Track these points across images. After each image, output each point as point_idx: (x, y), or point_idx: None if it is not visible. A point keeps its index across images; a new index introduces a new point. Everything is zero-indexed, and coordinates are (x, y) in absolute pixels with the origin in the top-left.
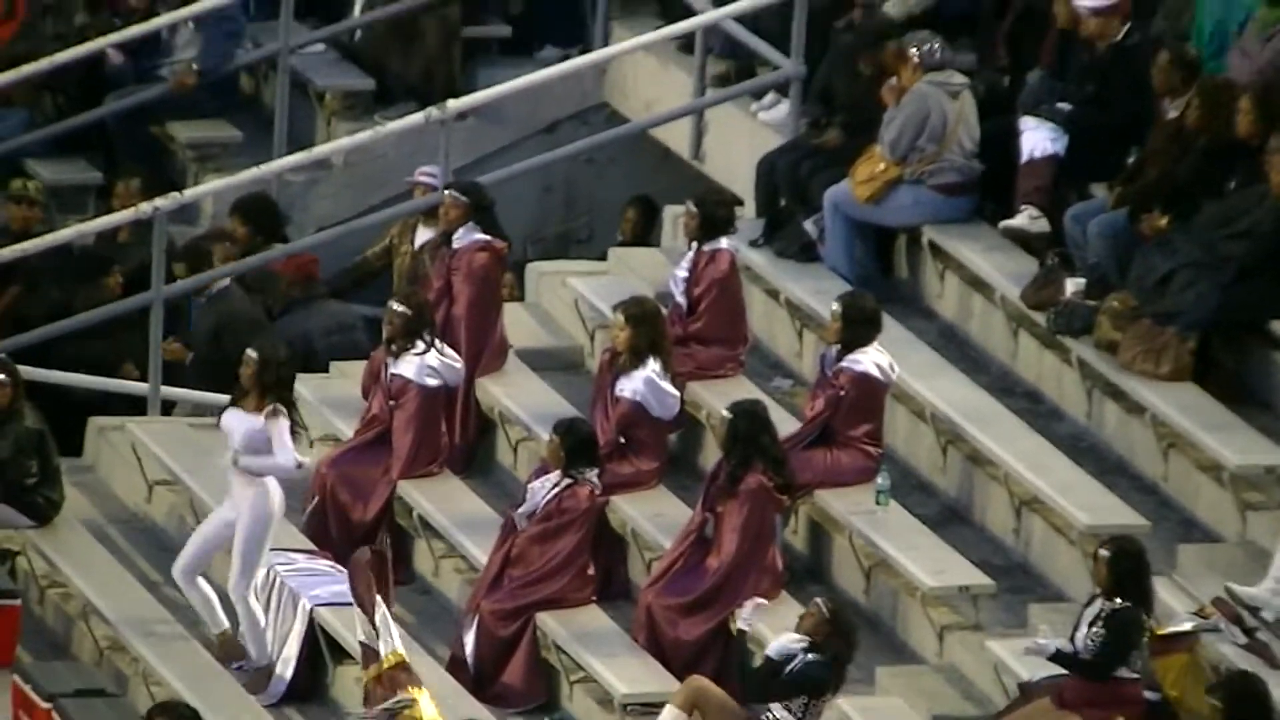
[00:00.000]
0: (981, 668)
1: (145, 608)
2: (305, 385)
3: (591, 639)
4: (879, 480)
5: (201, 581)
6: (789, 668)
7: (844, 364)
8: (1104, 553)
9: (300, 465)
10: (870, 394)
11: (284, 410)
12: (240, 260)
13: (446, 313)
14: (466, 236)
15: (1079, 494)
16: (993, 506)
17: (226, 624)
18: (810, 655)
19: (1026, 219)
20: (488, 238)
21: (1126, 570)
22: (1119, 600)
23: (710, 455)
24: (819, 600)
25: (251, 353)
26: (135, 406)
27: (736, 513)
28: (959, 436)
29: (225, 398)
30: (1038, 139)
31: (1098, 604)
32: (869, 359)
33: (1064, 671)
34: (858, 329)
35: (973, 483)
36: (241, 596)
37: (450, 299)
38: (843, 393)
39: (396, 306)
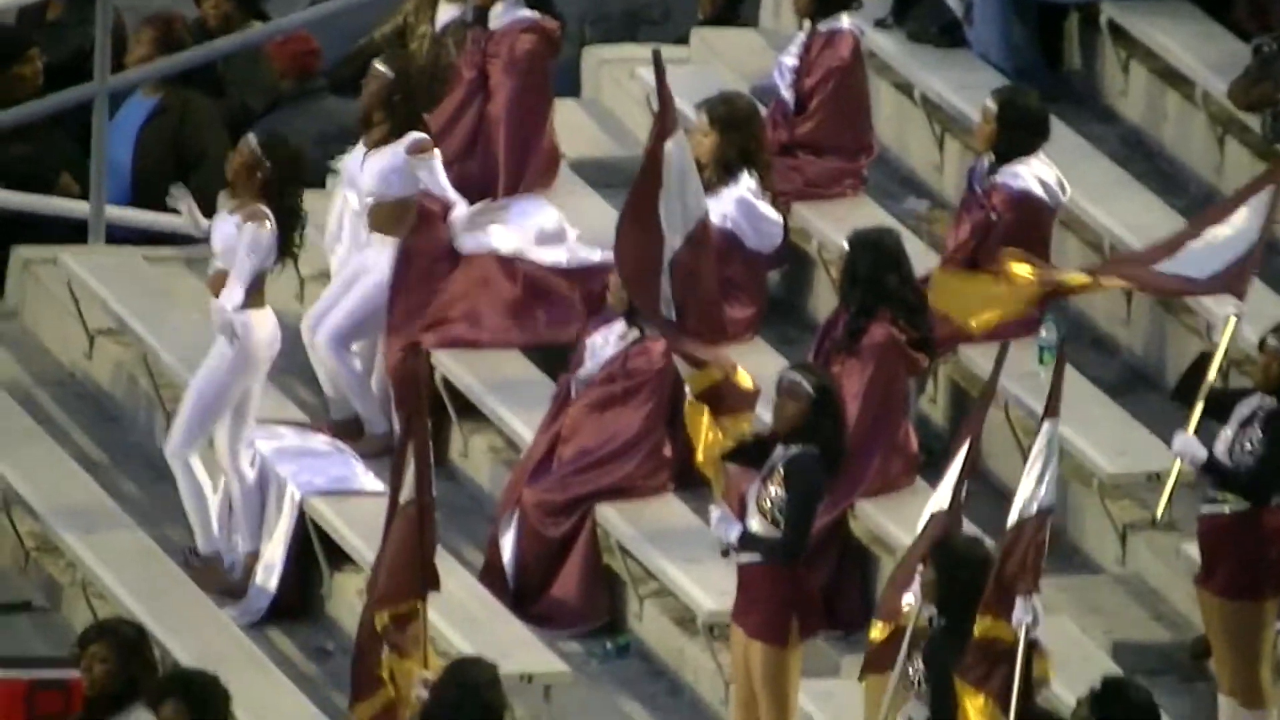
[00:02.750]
0: (1175, 578)
1: (84, 495)
2: None
3: (668, 540)
4: (1042, 333)
5: (197, 465)
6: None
7: (998, 179)
8: (1274, 341)
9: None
10: (1032, 219)
11: (266, 215)
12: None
13: (480, 112)
14: (507, 14)
15: None
16: None
17: (217, 544)
18: (793, 448)
19: None
20: (534, 15)
21: None
22: None
23: (823, 300)
24: (792, 375)
25: (250, 140)
26: (74, 232)
27: (858, 374)
28: None
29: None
30: None
31: (1255, 400)
32: (1030, 173)
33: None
34: (1016, 134)
35: (1164, 336)
36: (181, 457)
37: (485, 95)
38: (996, 216)
39: (380, 67)
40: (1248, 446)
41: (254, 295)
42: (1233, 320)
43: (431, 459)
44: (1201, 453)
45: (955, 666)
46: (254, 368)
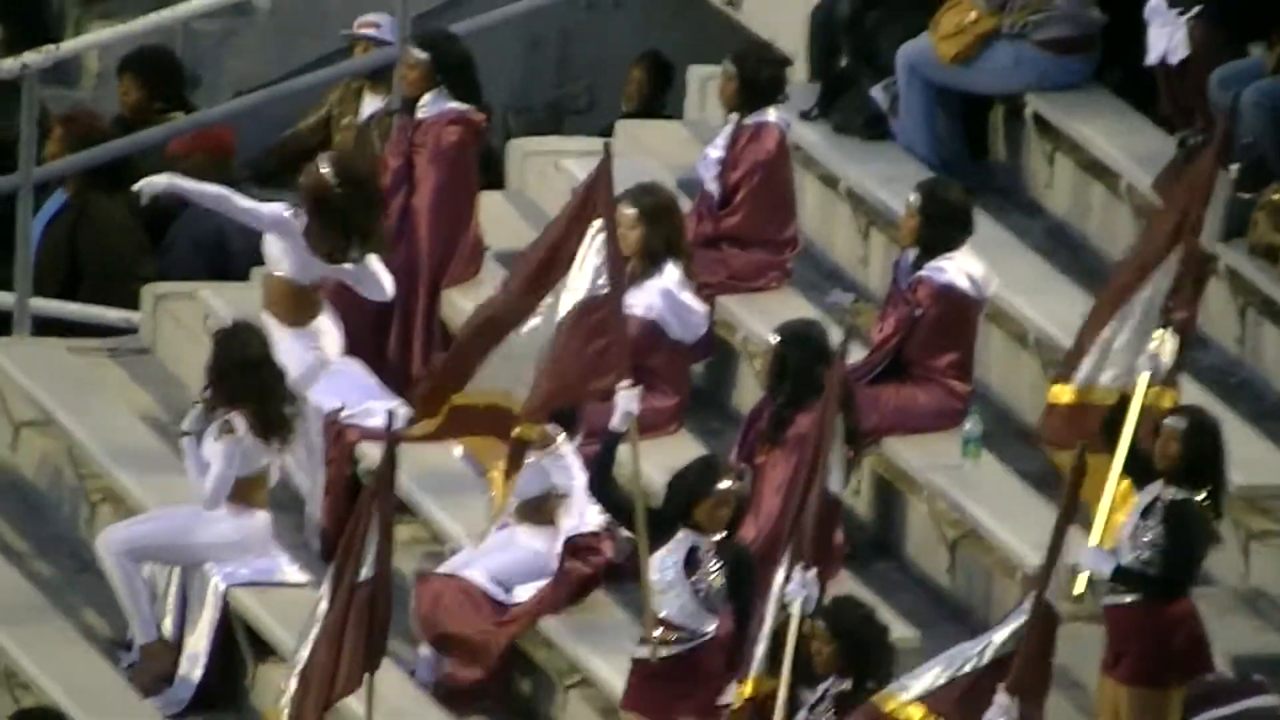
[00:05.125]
0: (1097, 670)
1: (8, 586)
2: (220, 297)
3: (593, 631)
4: (967, 425)
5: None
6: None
7: (923, 273)
8: (1173, 423)
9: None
10: (957, 312)
11: (233, 427)
12: (130, 135)
13: (405, 203)
14: (434, 105)
15: (1229, 445)
16: None
17: (155, 633)
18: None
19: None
20: (462, 107)
21: (1205, 449)
22: (1186, 488)
23: (747, 392)
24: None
25: (215, 352)
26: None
27: (783, 466)
28: None
29: (120, 313)
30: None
31: (1156, 488)
32: (955, 267)
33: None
34: (940, 228)
35: None
36: (120, 556)
37: (410, 186)
38: (921, 311)
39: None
40: (1146, 538)
41: (242, 493)
42: (1145, 377)
43: (393, 532)
44: (1107, 567)
45: None
46: (251, 552)
